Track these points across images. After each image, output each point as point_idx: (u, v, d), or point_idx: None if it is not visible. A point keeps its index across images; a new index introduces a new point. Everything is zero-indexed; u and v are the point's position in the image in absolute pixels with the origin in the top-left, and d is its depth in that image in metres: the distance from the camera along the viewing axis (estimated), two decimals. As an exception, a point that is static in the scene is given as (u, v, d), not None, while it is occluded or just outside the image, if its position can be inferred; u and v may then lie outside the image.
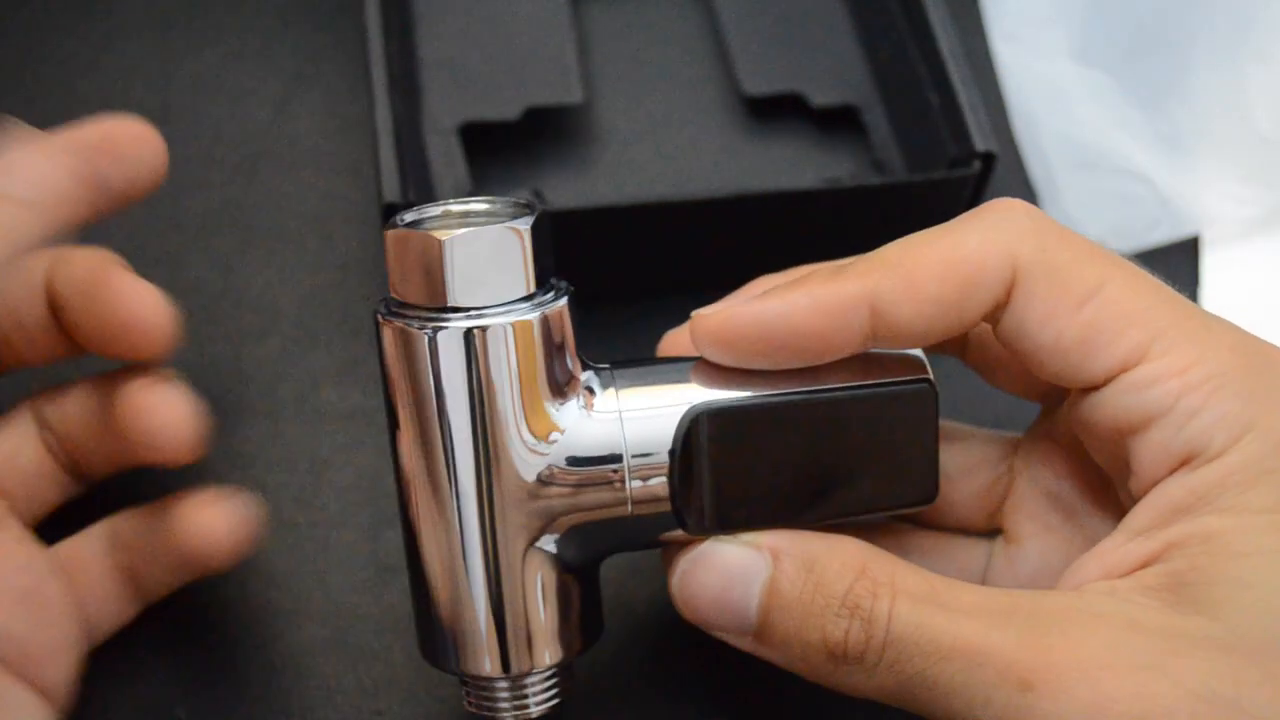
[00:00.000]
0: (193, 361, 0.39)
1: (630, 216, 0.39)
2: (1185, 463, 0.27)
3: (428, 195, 0.41)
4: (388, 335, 0.28)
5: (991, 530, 0.33)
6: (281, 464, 0.38)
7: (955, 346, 0.33)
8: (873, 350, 0.29)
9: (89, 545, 0.33)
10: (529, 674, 0.29)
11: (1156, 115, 0.45)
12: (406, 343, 0.27)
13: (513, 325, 0.27)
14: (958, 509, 0.33)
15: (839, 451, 0.29)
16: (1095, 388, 0.28)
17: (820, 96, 0.45)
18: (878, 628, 0.26)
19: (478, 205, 0.29)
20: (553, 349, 0.28)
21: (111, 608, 0.33)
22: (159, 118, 0.45)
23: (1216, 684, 0.24)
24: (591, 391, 0.29)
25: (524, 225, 0.27)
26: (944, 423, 0.32)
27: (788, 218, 0.39)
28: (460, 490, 0.28)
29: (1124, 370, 0.27)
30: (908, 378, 0.29)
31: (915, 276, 0.27)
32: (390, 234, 0.28)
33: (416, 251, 0.27)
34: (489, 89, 0.44)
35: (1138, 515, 0.27)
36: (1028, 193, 0.45)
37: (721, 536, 0.28)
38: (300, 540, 0.37)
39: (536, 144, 0.44)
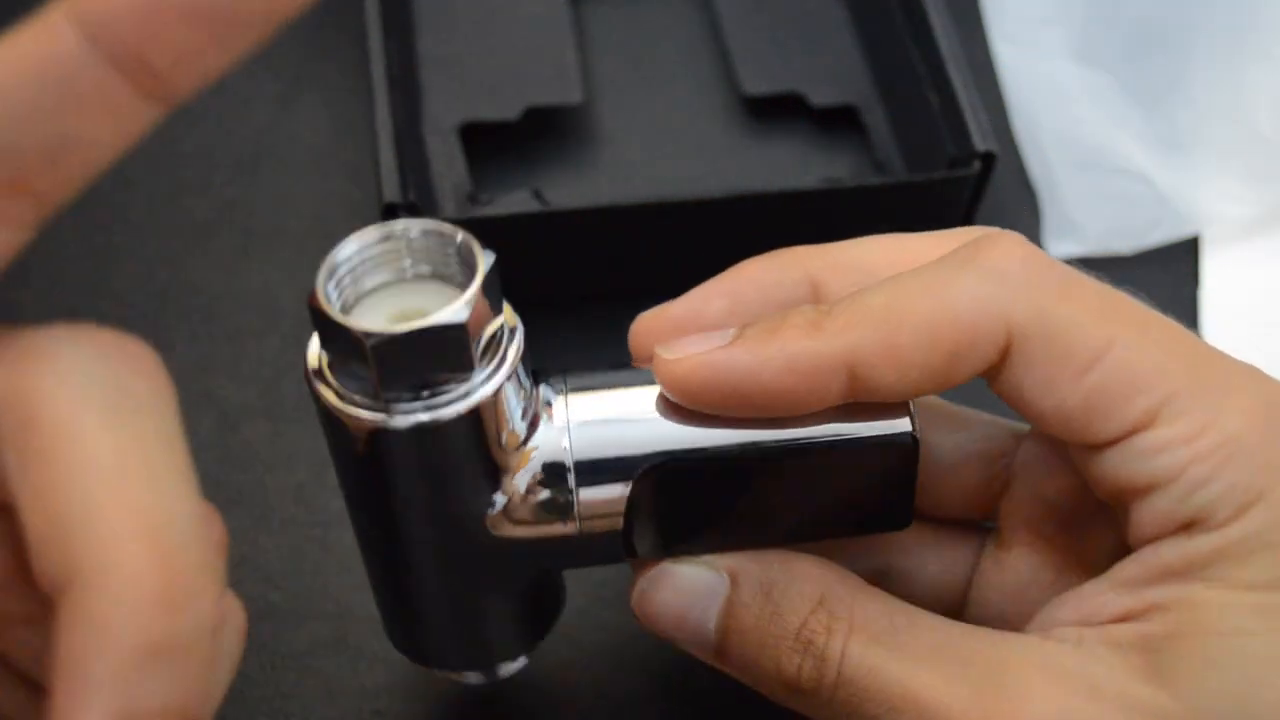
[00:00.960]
0: (193, 361, 0.39)
1: (630, 216, 0.39)
2: (1185, 529, 0.25)
3: (428, 195, 0.41)
4: (332, 415, 0.24)
5: (987, 520, 0.31)
6: (281, 464, 0.38)
7: None
8: None
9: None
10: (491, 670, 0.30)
11: (1156, 115, 0.45)
12: (338, 420, 0.24)
13: (451, 418, 0.24)
14: (951, 502, 0.31)
15: (810, 494, 0.28)
16: (1098, 448, 0.26)
17: (820, 96, 0.45)
18: (829, 667, 0.26)
19: (414, 233, 0.25)
20: (499, 419, 0.25)
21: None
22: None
23: None
24: (547, 410, 0.26)
25: (461, 318, 0.23)
26: (938, 403, 0.31)
27: (788, 218, 0.39)
28: (407, 549, 0.27)
29: (1131, 434, 0.25)
30: (888, 430, 0.27)
31: (899, 340, 0.25)
32: (312, 306, 0.23)
33: (340, 339, 0.23)
34: (489, 89, 0.44)
35: (1126, 568, 0.26)
36: (1028, 193, 0.45)
37: (681, 557, 0.28)
38: (300, 540, 0.37)
39: (536, 144, 0.44)
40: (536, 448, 0.26)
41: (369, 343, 0.22)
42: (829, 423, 0.27)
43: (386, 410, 0.24)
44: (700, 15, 0.48)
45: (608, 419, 0.26)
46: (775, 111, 0.45)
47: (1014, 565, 0.30)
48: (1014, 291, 0.25)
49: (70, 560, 0.18)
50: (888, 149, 0.44)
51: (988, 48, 0.48)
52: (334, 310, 0.23)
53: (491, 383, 0.24)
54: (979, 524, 0.31)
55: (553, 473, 0.26)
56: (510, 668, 0.30)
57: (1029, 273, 0.26)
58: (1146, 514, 0.26)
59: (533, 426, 0.26)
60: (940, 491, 0.31)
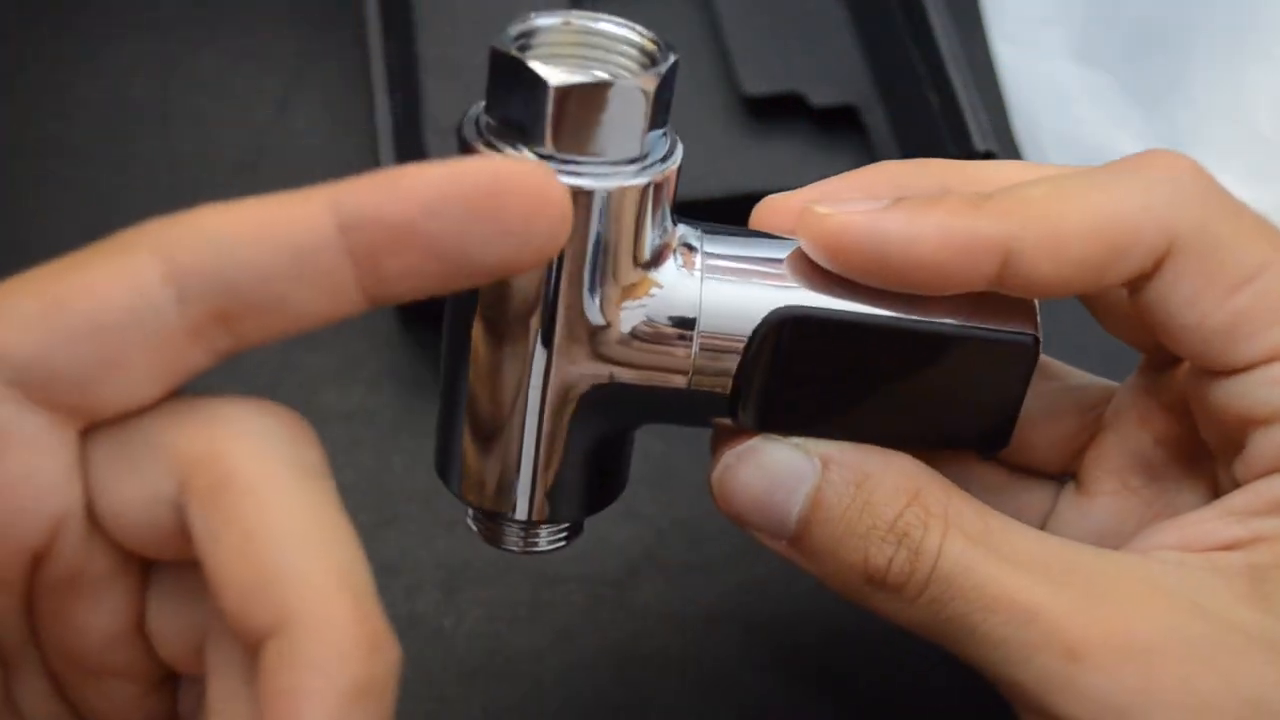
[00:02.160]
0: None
1: (630, 216, 0.38)
2: None
3: (428, 195, 0.41)
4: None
5: (1064, 475, 0.31)
6: (281, 464, 0.38)
7: None
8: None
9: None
10: (546, 523, 0.28)
11: (1156, 115, 0.45)
12: None
13: (610, 192, 0.24)
14: (1035, 451, 0.31)
15: (921, 386, 0.27)
16: (1228, 373, 0.26)
17: (820, 96, 0.45)
18: (924, 561, 0.25)
19: (604, 27, 0.25)
20: (649, 214, 0.25)
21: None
22: (159, 118, 0.45)
23: (1270, 691, 0.23)
24: (685, 250, 0.26)
25: (649, 84, 0.24)
26: (1043, 358, 0.30)
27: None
28: (529, 323, 0.26)
29: (1266, 362, 0.25)
30: (1013, 328, 0.26)
31: (1061, 231, 0.25)
32: (496, 52, 0.24)
33: (521, 84, 0.24)
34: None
35: (1236, 498, 0.26)
36: (1028, 193, 0.45)
37: (772, 436, 0.27)
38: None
39: (536, 144, 0.44)
40: (664, 282, 0.26)
41: (553, 85, 0.23)
42: (957, 313, 0.26)
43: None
44: (700, 15, 0.48)
45: (741, 268, 0.26)
46: (775, 111, 0.45)
47: (1095, 513, 0.29)
48: (1179, 201, 0.25)
49: (278, 610, 0.19)
50: (888, 149, 0.44)
51: (988, 48, 0.48)
52: (519, 53, 0.24)
53: (644, 175, 0.25)
54: (1055, 476, 0.31)
55: (676, 306, 0.26)
56: (548, 538, 0.29)
57: (1196, 186, 0.26)
58: (1266, 443, 0.25)
59: (662, 256, 0.26)
60: (1029, 439, 0.30)
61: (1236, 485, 0.26)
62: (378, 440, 0.38)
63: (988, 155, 0.40)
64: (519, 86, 0.24)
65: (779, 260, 0.27)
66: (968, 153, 0.40)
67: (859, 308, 0.26)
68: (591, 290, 0.26)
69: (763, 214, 0.29)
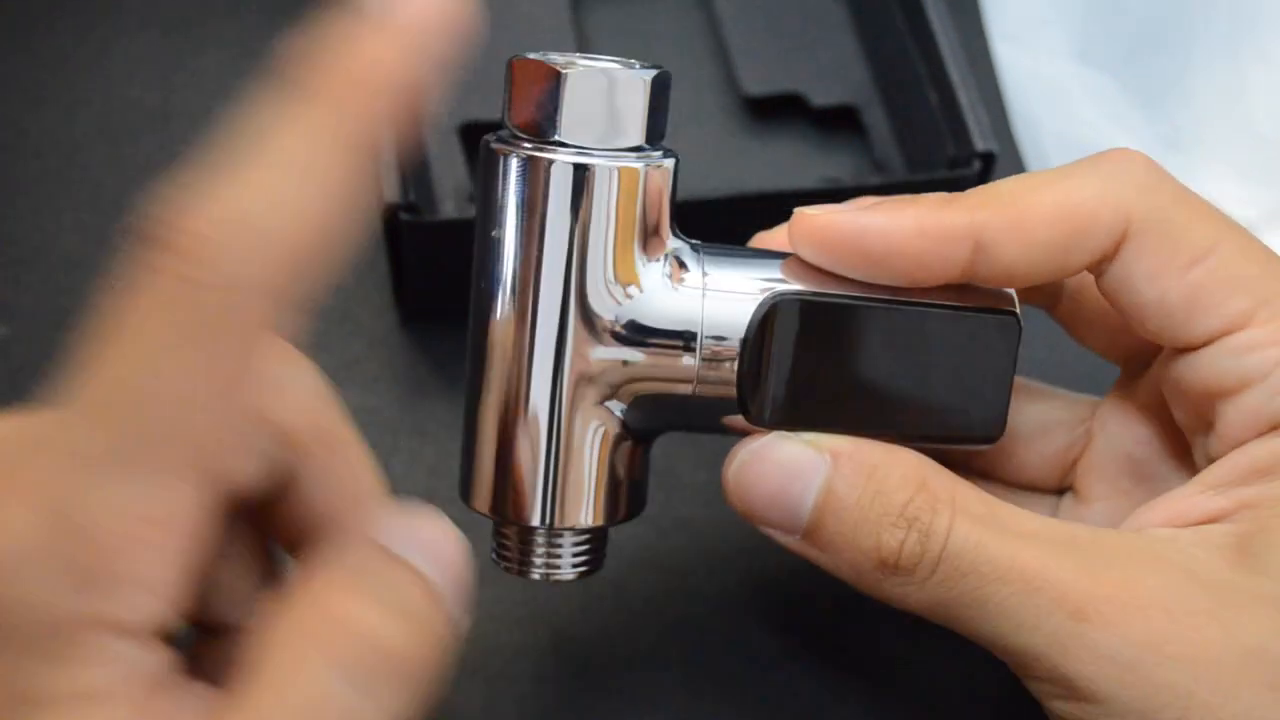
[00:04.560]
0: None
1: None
2: (1275, 428, 0.27)
3: (428, 195, 0.41)
4: (505, 162, 0.28)
5: (1061, 490, 0.32)
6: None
7: (1046, 298, 0.32)
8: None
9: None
10: (568, 530, 0.29)
11: (1156, 115, 0.45)
12: (516, 167, 0.28)
13: (618, 170, 0.27)
14: (1029, 468, 0.32)
15: (914, 366, 0.29)
16: (1193, 348, 0.27)
17: (820, 96, 0.45)
18: (935, 541, 0.26)
19: (605, 62, 0.29)
20: (649, 207, 0.28)
21: None
22: (159, 118, 0.45)
23: (1269, 640, 0.25)
24: (680, 263, 0.28)
25: (646, 77, 0.28)
26: (1025, 381, 0.32)
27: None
28: (540, 319, 0.28)
29: (1225, 334, 0.27)
30: (995, 307, 0.29)
31: (1026, 217, 0.27)
32: (514, 61, 0.28)
33: (536, 80, 0.27)
34: (489, 89, 0.43)
35: (1214, 471, 0.27)
36: (1028, 193, 0.45)
37: (783, 433, 0.28)
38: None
39: (536, 144, 0.44)
40: (678, 257, 0.28)
41: (565, 74, 0.27)
42: (941, 299, 0.28)
43: (554, 153, 0.27)
44: (700, 15, 0.48)
45: (738, 263, 0.29)
46: (775, 111, 0.46)
47: (1092, 516, 0.31)
48: (1133, 187, 0.27)
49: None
50: (888, 149, 0.44)
51: (988, 48, 0.48)
52: (533, 54, 0.28)
53: (642, 162, 0.28)
54: (1054, 491, 0.33)
55: (687, 281, 0.28)
56: (571, 553, 0.29)
57: (1149, 176, 0.28)
58: (1234, 414, 0.27)
59: (664, 256, 0.28)
60: (1025, 458, 0.32)
61: (1213, 461, 0.28)
62: (377, 441, 0.38)
63: (987, 155, 0.40)
64: (533, 84, 0.27)
65: (774, 265, 0.29)
66: (968, 153, 0.40)
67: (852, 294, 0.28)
68: (601, 273, 0.27)
69: (755, 244, 0.32)
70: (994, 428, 0.29)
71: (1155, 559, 0.26)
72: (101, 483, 0.20)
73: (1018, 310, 0.29)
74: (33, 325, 0.39)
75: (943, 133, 0.41)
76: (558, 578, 0.29)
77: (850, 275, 0.28)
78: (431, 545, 0.24)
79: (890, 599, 0.27)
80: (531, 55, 0.28)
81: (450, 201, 0.41)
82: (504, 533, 0.30)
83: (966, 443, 0.30)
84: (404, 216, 0.37)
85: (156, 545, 0.20)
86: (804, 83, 0.45)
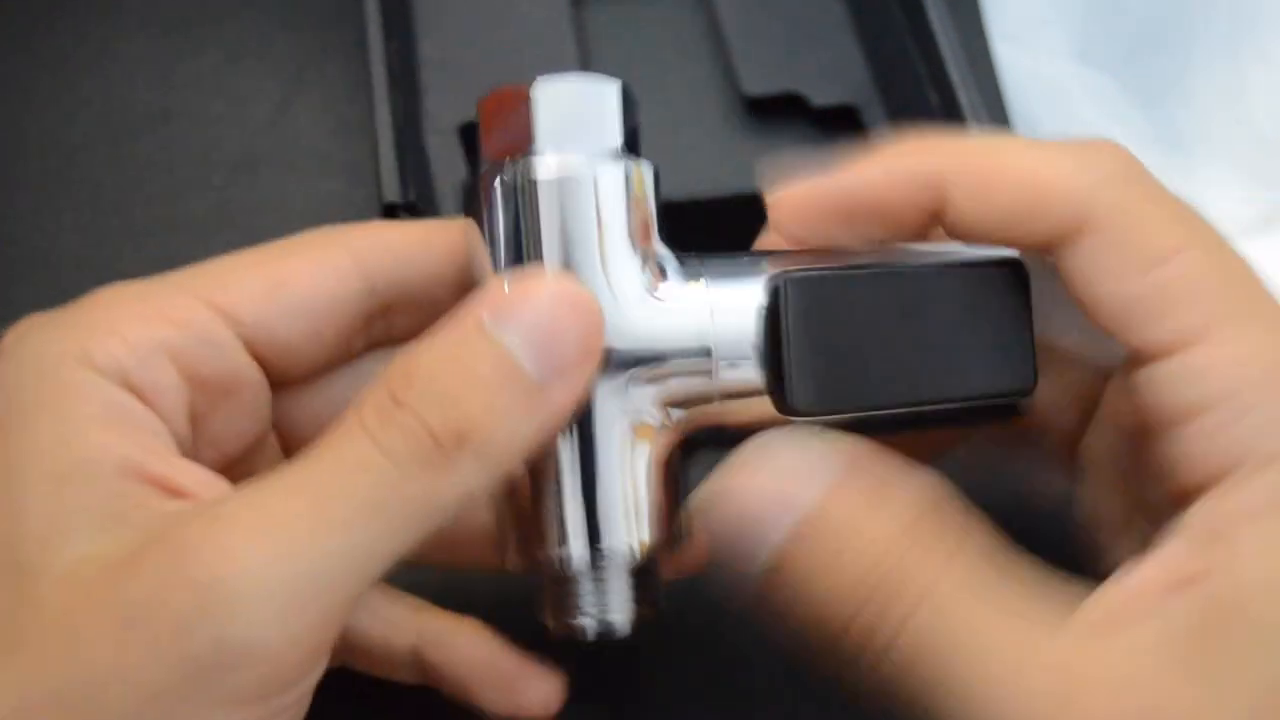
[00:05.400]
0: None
1: (630, 216, 0.39)
2: (1224, 472, 0.25)
3: (428, 195, 0.41)
4: (492, 190, 0.28)
5: (1076, 436, 0.31)
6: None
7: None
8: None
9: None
10: (611, 564, 0.28)
11: (1156, 115, 0.45)
12: (497, 189, 0.28)
13: (602, 174, 0.27)
14: (1045, 410, 0.31)
15: (931, 328, 0.28)
16: (1146, 359, 0.26)
17: (820, 96, 0.45)
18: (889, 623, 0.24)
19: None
20: (634, 209, 0.28)
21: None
22: (159, 118, 0.45)
23: None
24: (675, 269, 0.29)
25: (612, 85, 0.28)
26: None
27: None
28: None
29: (1180, 347, 0.25)
30: (995, 254, 0.29)
31: (989, 179, 0.27)
32: (480, 100, 0.29)
33: (505, 103, 0.28)
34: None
35: (1168, 549, 0.25)
36: (1028, 193, 0.45)
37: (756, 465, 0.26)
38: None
39: (536, 144, 0.44)
40: (662, 266, 0.29)
41: (535, 91, 0.28)
42: (942, 260, 0.29)
43: (530, 166, 0.27)
44: (700, 15, 0.48)
45: (728, 261, 0.29)
46: (775, 111, 0.46)
47: (1089, 502, 0.30)
48: (1105, 177, 0.27)
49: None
50: (888, 149, 0.44)
51: (988, 48, 0.48)
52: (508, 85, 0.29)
53: (620, 165, 0.28)
54: (1069, 440, 0.32)
55: (684, 316, 0.28)
56: (621, 599, 0.28)
57: (1127, 170, 0.27)
58: (1187, 444, 0.25)
59: (660, 263, 0.29)
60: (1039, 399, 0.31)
61: (1169, 503, 0.26)
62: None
63: (988, 155, 0.40)
64: (508, 109, 0.28)
65: (764, 259, 0.29)
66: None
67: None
68: (600, 276, 0.27)
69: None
70: (1024, 378, 0.29)
71: (1109, 689, 0.23)
72: None
73: (1021, 260, 0.29)
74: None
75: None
76: (607, 622, 0.29)
77: (832, 238, 0.28)
78: (535, 325, 0.25)
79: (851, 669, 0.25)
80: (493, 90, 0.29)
81: (450, 201, 0.41)
82: (549, 584, 0.29)
83: (1002, 398, 0.29)
84: (404, 217, 0.37)
85: None
86: (804, 83, 0.45)
